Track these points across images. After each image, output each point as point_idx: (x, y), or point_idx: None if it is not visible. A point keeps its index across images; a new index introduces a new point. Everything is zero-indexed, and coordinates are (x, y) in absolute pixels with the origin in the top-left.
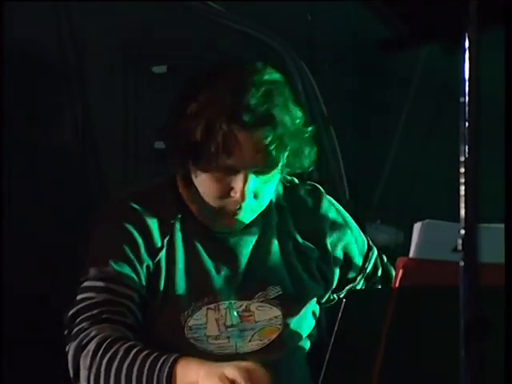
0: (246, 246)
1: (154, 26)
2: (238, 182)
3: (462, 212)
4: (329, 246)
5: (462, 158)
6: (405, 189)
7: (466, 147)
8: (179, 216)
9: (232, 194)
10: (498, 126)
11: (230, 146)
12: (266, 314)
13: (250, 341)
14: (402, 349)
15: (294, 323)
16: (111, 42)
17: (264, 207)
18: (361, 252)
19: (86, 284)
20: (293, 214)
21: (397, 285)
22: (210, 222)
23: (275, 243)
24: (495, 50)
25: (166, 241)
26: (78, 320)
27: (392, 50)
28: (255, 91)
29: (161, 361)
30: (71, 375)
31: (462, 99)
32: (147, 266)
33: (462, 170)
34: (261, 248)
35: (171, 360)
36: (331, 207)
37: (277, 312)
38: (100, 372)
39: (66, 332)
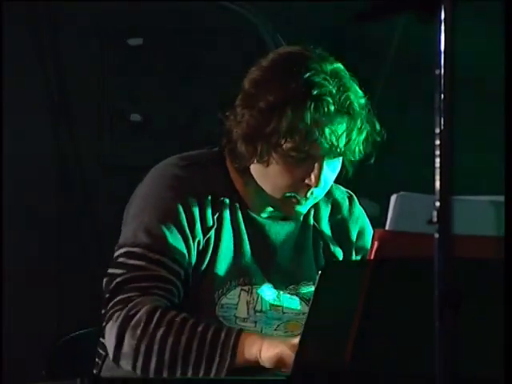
0: (286, 237)
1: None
2: (314, 170)
3: (437, 184)
4: (353, 252)
5: (437, 131)
6: (381, 161)
7: (441, 119)
8: (230, 192)
9: (307, 181)
10: (478, 100)
11: (313, 135)
12: (294, 305)
13: (275, 329)
14: (377, 318)
15: None
16: (86, 15)
17: (323, 196)
18: None
19: (136, 250)
20: (329, 215)
21: (372, 256)
22: (259, 209)
23: (310, 240)
24: (471, 22)
25: (215, 218)
26: (126, 288)
27: (367, 21)
28: (331, 80)
29: (223, 333)
30: (113, 343)
31: (437, 71)
32: (198, 242)
33: (437, 142)
34: (298, 242)
35: (235, 332)
36: (362, 214)
37: (305, 308)
38: (153, 344)
39: (107, 296)
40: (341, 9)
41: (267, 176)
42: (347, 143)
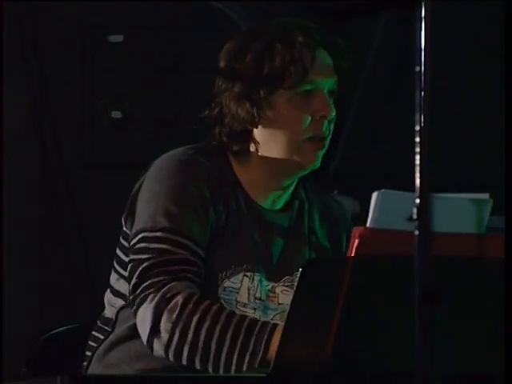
0: (285, 227)
1: None
2: (320, 101)
3: (417, 182)
4: (343, 250)
5: (417, 128)
6: (362, 158)
7: (421, 117)
8: (234, 182)
9: (319, 113)
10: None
11: (308, 60)
12: (289, 298)
13: (271, 319)
14: (358, 315)
15: None
16: (67, 12)
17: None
18: None
19: (158, 235)
20: (322, 215)
21: (353, 253)
22: (260, 199)
23: (305, 234)
24: (452, 19)
25: (224, 203)
26: (155, 272)
27: (346, 19)
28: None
29: (258, 326)
30: (148, 326)
31: (417, 69)
32: (211, 226)
33: (417, 139)
34: (295, 233)
35: (270, 326)
36: (350, 220)
37: None
38: (189, 329)
39: (134, 282)
40: (320, 8)
41: (278, 130)
42: (338, 63)
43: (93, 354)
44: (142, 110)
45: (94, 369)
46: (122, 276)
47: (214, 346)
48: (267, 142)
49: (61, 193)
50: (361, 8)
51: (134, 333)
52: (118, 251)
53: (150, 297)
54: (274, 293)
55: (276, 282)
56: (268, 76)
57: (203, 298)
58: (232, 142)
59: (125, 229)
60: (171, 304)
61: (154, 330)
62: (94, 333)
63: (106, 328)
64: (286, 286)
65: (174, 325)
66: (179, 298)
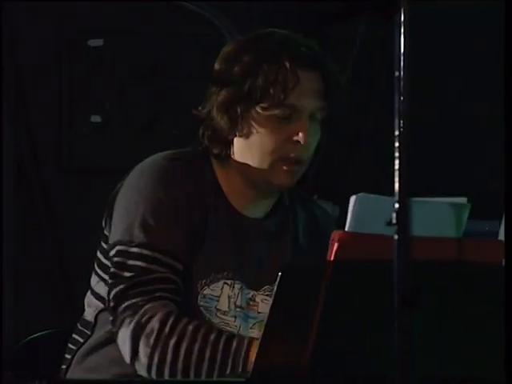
0: (266, 236)
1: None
2: (298, 126)
3: (396, 186)
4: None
5: (396, 132)
6: (342, 163)
7: (400, 121)
8: (215, 189)
9: (295, 138)
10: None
11: (291, 83)
12: (268, 307)
13: (251, 328)
14: (337, 319)
15: None
16: (46, 15)
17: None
18: None
19: (135, 250)
20: (307, 223)
21: (332, 258)
22: (242, 206)
23: (288, 241)
24: (430, 24)
25: (203, 211)
26: (131, 293)
27: (327, 24)
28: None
29: (235, 342)
30: (128, 350)
31: (396, 73)
32: (190, 235)
33: (396, 144)
34: (277, 242)
35: (246, 341)
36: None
37: None
38: (167, 352)
39: (112, 304)
40: (305, 12)
41: (252, 146)
42: (328, 96)
43: (72, 357)
44: (120, 114)
45: (73, 372)
46: (102, 279)
47: (193, 367)
48: (244, 154)
49: (38, 197)
50: (341, 12)
51: (112, 337)
52: (99, 254)
53: (127, 321)
54: (255, 301)
55: (256, 290)
56: (248, 93)
57: (180, 316)
58: (213, 145)
59: (105, 232)
60: (148, 329)
61: (134, 354)
62: (73, 335)
63: (86, 331)
64: (267, 295)
65: (152, 349)
66: (155, 322)
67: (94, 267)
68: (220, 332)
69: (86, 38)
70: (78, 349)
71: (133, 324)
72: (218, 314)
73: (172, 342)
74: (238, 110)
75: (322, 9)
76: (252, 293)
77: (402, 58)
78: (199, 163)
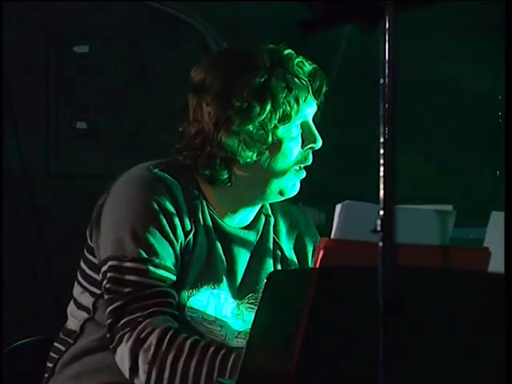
0: (249, 245)
1: (75, 6)
2: (309, 132)
3: (381, 193)
4: (310, 262)
5: (381, 140)
6: (327, 170)
7: (385, 129)
8: (200, 200)
9: (306, 145)
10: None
11: (303, 95)
12: (253, 315)
13: (236, 337)
14: (323, 327)
15: None
16: (32, 22)
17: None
18: None
19: (129, 265)
20: (287, 229)
21: (317, 265)
22: (226, 218)
23: (270, 249)
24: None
25: (192, 222)
26: (129, 309)
27: (311, 30)
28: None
29: (232, 357)
30: (127, 366)
31: (381, 81)
32: (180, 244)
33: (381, 151)
34: (260, 250)
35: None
36: (315, 237)
37: None
38: (164, 367)
39: (110, 320)
40: (285, 19)
41: (268, 164)
42: (319, 92)
43: (54, 366)
44: (107, 121)
45: (55, 381)
46: (86, 289)
47: (191, 382)
48: (251, 173)
49: (24, 204)
50: (325, 19)
51: (97, 346)
52: (83, 264)
53: (126, 337)
54: (239, 310)
55: (241, 299)
56: (270, 113)
57: (178, 331)
58: (206, 168)
59: (89, 242)
60: (146, 344)
61: (133, 370)
62: (55, 344)
63: (69, 340)
64: (251, 303)
65: (150, 365)
66: (153, 338)
67: (77, 277)
68: (218, 347)
69: (72, 45)
70: (60, 357)
71: (131, 340)
72: (205, 323)
73: (170, 357)
74: (261, 134)
75: (306, 14)
76: (236, 301)
77: (386, 64)
78: (184, 174)
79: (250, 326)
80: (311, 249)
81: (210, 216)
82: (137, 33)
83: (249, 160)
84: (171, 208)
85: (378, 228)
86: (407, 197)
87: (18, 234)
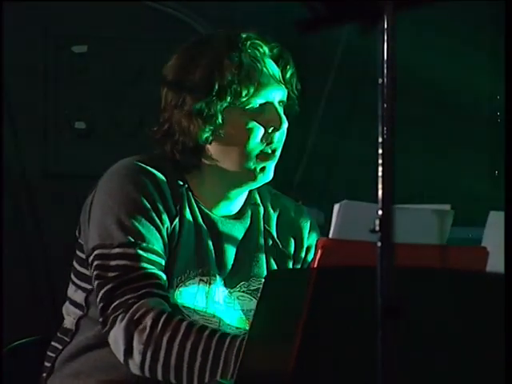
0: (238, 234)
1: (75, 6)
2: (272, 113)
3: (380, 193)
4: (302, 256)
5: (380, 139)
6: (325, 170)
7: (384, 128)
8: (185, 189)
9: (269, 126)
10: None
11: (257, 75)
12: (245, 304)
13: (229, 324)
14: (321, 327)
15: None
16: (31, 21)
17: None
18: None
19: (117, 251)
20: (277, 217)
21: (316, 265)
22: (212, 206)
23: (261, 238)
24: (414, 32)
25: (177, 208)
26: (120, 292)
27: (309, 31)
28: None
29: (227, 341)
30: (121, 348)
31: (379, 81)
32: (166, 229)
33: (380, 151)
34: (249, 239)
35: (239, 340)
36: (308, 220)
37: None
38: (160, 348)
39: (101, 304)
40: (284, 19)
41: (231, 147)
42: (285, 74)
43: (52, 365)
44: (105, 121)
45: (54, 379)
46: (78, 287)
47: (186, 363)
48: (220, 157)
49: (23, 203)
50: (324, 19)
51: (94, 343)
52: (75, 263)
53: (119, 318)
54: (231, 298)
55: (232, 287)
56: (219, 93)
57: (173, 313)
58: (184, 158)
59: (79, 240)
60: (141, 326)
61: (128, 352)
62: (53, 343)
63: (65, 338)
64: (243, 292)
65: (146, 346)
66: (148, 319)
67: (70, 278)
68: (214, 330)
69: (70, 45)
70: (58, 356)
71: (125, 321)
72: (196, 310)
73: (165, 338)
74: (212, 111)
75: (305, 14)
76: (228, 290)
77: (385, 64)
78: (166, 165)
79: (241, 314)
80: (306, 233)
81: (197, 205)
82: (136, 33)
83: (205, 141)
84: (155, 193)
85: (377, 228)
86: (406, 196)
87: (17, 234)
